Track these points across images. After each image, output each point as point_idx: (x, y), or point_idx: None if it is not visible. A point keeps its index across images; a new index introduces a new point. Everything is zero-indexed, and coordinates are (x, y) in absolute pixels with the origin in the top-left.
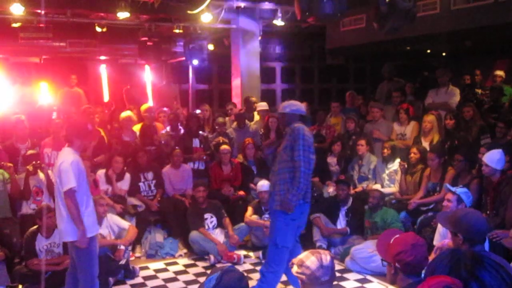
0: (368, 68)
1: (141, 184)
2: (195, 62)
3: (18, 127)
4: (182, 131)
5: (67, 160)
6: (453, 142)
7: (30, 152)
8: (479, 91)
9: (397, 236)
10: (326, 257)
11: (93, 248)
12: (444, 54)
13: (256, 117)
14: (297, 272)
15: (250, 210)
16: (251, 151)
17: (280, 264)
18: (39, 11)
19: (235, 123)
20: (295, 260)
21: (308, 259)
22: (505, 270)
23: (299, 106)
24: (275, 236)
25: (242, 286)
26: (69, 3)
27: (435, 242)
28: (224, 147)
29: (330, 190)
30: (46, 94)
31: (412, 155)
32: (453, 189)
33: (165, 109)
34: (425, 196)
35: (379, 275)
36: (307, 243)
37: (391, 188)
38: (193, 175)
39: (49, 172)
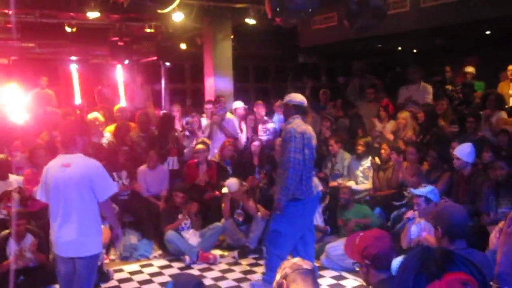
0: (340, 66)
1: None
2: (167, 63)
3: None
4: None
5: (97, 165)
6: (425, 138)
7: None
8: (450, 87)
9: (361, 234)
10: None
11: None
12: (415, 51)
13: (230, 115)
14: (280, 272)
15: (224, 205)
16: (229, 152)
17: (279, 247)
18: (6, 11)
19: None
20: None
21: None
22: (476, 267)
23: (295, 97)
24: (271, 222)
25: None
26: (38, 3)
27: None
28: (200, 146)
29: None
30: (15, 96)
31: (383, 151)
32: (418, 192)
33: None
34: (399, 190)
35: (354, 271)
36: None
37: (365, 185)
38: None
39: (15, 177)
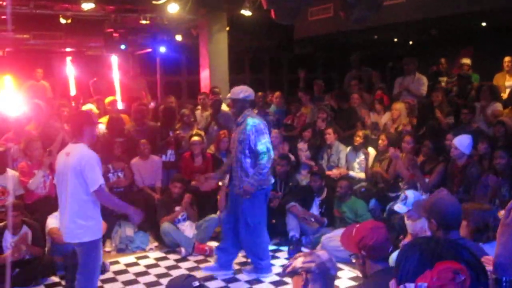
0: (336, 57)
1: (110, 175)
2: (162, 50)
3: None
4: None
5: (90, 156)
6: (421, 129)
7: None
8: (444, 79)
9: (357, 226)
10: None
11: (101, 250)
12: (411, 42)
13: (225, 107)
14: (304, 261)
15: (220, 197)
16: (225, 144)
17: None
18: (0, 2)
19: (207, 112)
20: (303, 252)
21: (318, 251)
22: (476, 257)
23: (250, 91)
24: (245, 217)
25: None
26: None
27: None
28: (195, 139)
29: (304, 178)
30: (9, 88)
31: (380, 141)
32: (403, 211)
33: None
34: (394, 181)
35: (350, 262)
36: (279, 232)
37: (361, 174)
38: (164, 167)
39: (13, 172)
